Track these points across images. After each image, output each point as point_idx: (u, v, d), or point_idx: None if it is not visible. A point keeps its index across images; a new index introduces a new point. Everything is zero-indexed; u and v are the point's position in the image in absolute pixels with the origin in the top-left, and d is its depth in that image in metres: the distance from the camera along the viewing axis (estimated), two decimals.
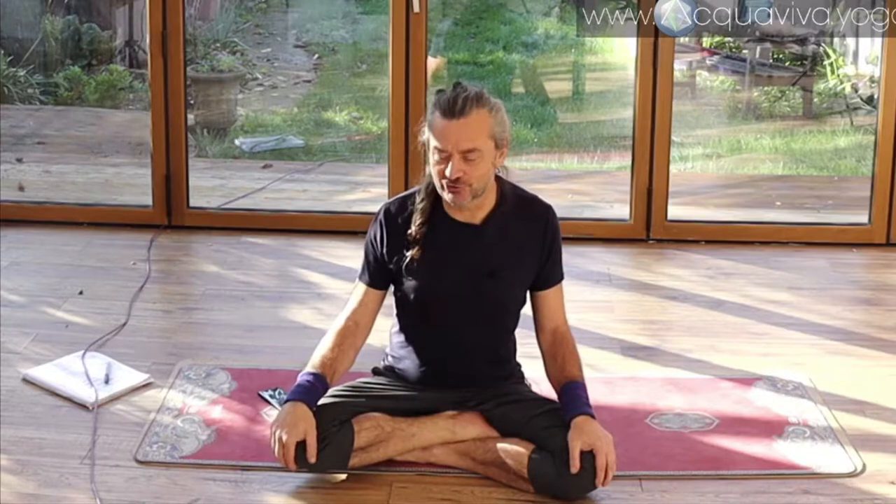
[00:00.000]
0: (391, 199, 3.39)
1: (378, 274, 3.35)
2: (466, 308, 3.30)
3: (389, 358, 3.47)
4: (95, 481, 3.24)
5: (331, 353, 3.29)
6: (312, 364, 3.28)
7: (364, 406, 3.30)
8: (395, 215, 3.32)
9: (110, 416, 3.63)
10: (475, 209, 3.27)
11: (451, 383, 3.35)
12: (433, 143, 3.18)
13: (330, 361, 3.28)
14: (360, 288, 3.38)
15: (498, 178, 3.30)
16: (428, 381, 3.37)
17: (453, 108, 3.14)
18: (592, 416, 3.20)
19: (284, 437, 3.15)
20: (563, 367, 3.31)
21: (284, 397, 3.66)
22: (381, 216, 3.35)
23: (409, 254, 3.28)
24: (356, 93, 8.42)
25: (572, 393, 3.25)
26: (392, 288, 3.39)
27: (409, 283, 3.31)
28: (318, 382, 3.24)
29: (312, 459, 3.17)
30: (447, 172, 3.15)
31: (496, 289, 3.31)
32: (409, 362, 3.40)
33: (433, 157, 3.19)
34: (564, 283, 3.43)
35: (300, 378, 3.27)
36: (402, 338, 3.42)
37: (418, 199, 3.30)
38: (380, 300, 3.39)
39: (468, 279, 3.28)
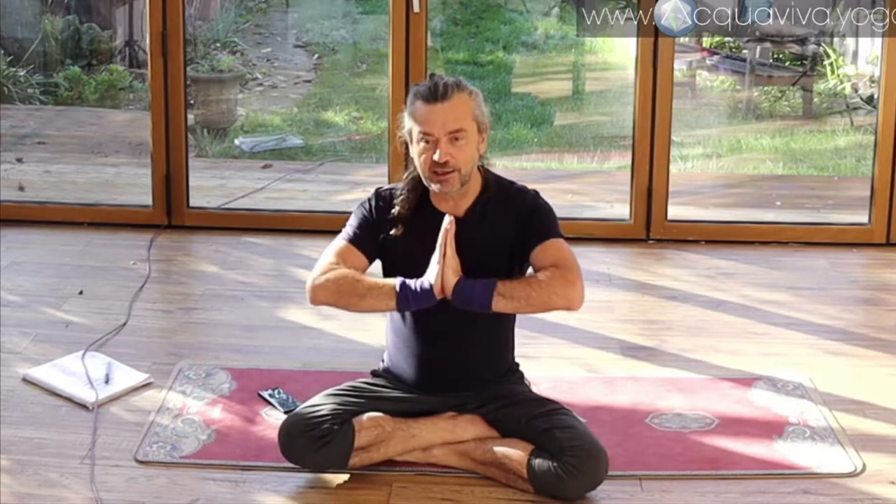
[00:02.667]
0: (383, 187, 3.39)
1: (365, 237, 3.28)
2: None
3: (386, 362, 3.46)
4: (95, 481, 3.24)
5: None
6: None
7: (364, 406, 3.30)
8: (386, 198, 3.32)
9: (110, 416, 3.63)
10: (459, 198, 3.26)
11: (449, 387, 3.34)
12: (418, 130, 3.19)
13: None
14: (340, 245, 3.29)
15: (482, 168, 3.30)
16: (424, 385, 3.35)
17: (436, 93, 3.17)
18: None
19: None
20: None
21: (283, 396, 3.67)
22: (372, 196, 3.34)
23: (392, 232, 3.27)
24: (356, 93, 8.42)
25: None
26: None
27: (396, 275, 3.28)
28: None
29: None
30: (435, 157, 3.16)
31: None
32: (405, 366, 3.38)
33: (418, 146, 3.20)
34: None
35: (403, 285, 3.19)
36: (395, 342, 3.40)
37: (398, 193, 3.30)
38: (361, 263, 3.29)
39: None
